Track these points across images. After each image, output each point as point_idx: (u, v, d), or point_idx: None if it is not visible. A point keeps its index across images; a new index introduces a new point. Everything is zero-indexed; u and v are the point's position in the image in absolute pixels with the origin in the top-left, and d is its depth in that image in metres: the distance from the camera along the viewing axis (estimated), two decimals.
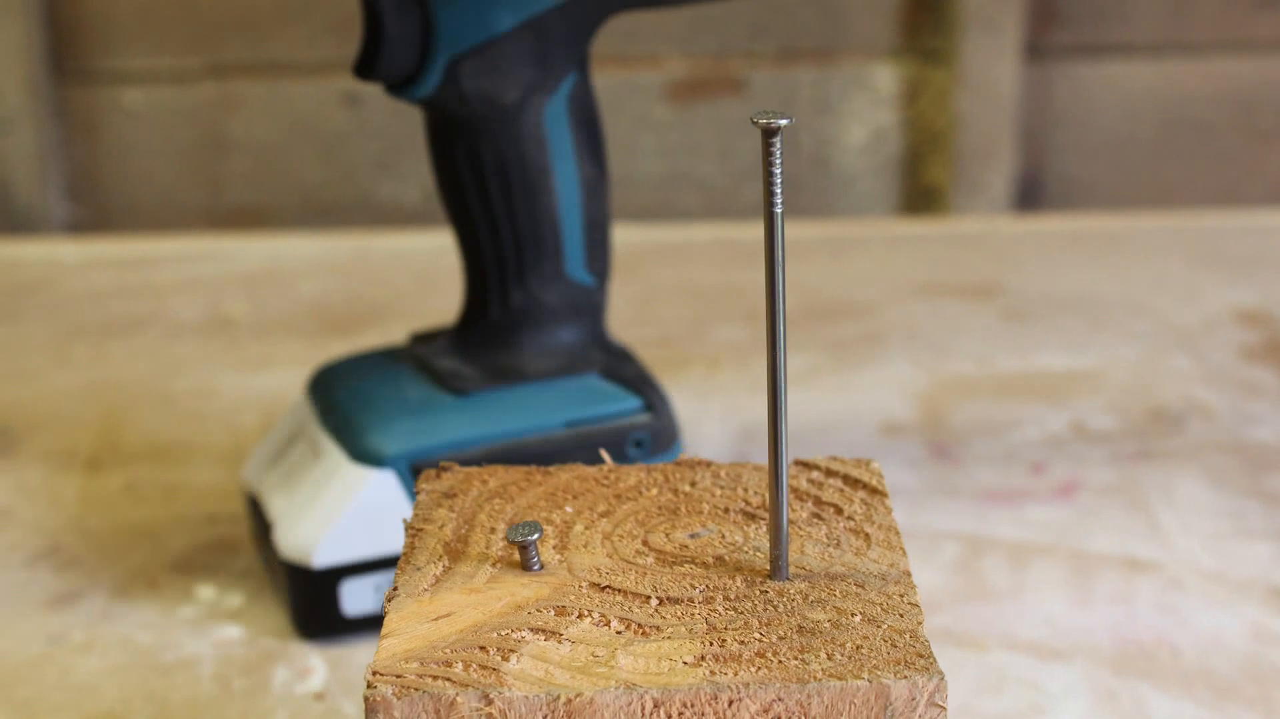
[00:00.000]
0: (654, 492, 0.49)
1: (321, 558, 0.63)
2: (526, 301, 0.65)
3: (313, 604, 0.63)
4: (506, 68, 0.62)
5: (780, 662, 0.41)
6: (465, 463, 0.61)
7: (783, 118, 0.43)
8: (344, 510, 0.63)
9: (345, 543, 0.63)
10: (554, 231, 0.65)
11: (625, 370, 0.67)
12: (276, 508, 0.65)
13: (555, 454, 0.63)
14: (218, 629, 0.65)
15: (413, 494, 0.62)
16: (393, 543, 0.63)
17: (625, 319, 0.94)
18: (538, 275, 0.65)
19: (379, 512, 0.63)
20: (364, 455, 0.63)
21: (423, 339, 0.69)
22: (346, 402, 0.66)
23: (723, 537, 0.47)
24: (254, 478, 0.68)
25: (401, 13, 0.61)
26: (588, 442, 0.64)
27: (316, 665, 0.63)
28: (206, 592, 0.68)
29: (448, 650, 0.42)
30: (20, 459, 0.79)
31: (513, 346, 0.66)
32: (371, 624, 0.64)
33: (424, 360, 0.67)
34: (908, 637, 0.42)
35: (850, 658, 0.41)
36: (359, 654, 0.63)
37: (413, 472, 0.63)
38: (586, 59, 0.64)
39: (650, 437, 0.65)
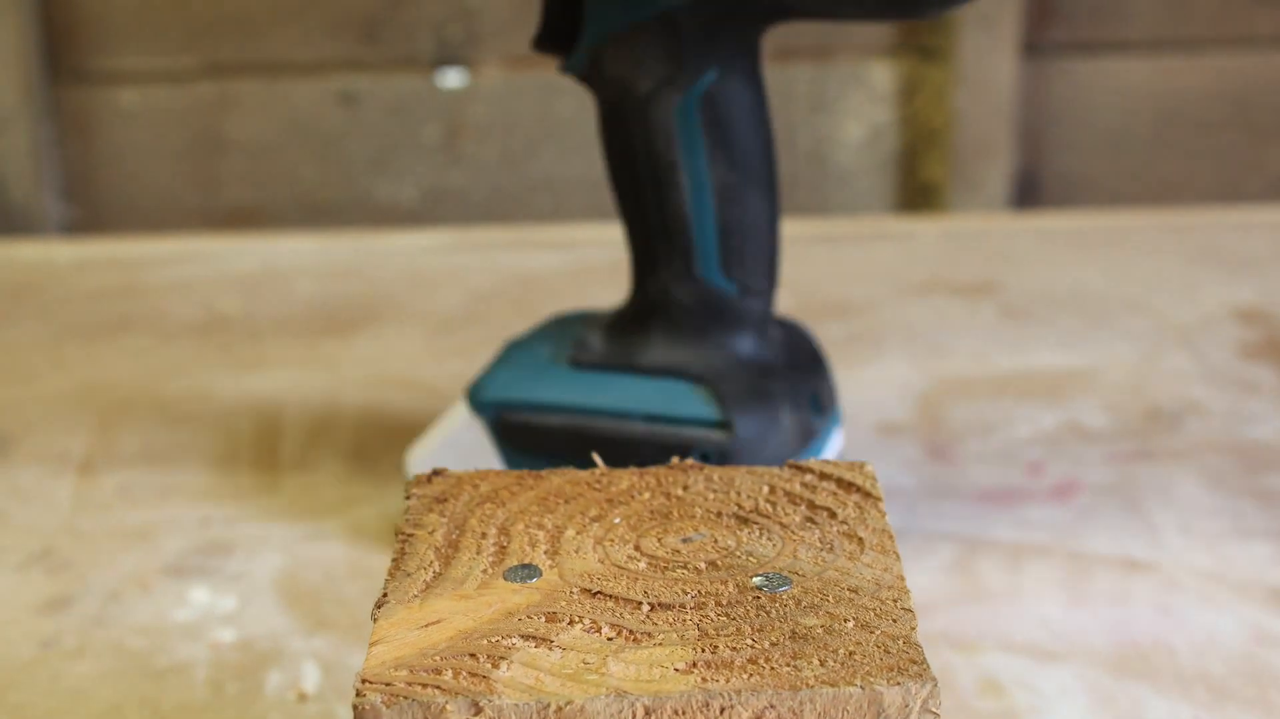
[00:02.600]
0: (646, 496, 0.49)
1: (412, 475, 0.66)
2: (658, 293, 0.67)
3: None
4: (639, 58, 0.64)
5: (772, 668, 0.41)
6: (542, 426, 0.67)
7: (784, 583, 0.44)
8: (439, 441, 0.69)
9: (431, 468, 0.66)
10: (682, 229, 0.65)
11: (734, 385, 0.66)
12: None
13: (623, 441, 0.66)
14: (211, 633, 0.65)
15: (497, 442, 0.68)
16: None
17: None
18: (667, 269, 0.66)
19: (469, 450, 0.68)
20: (470, 397, 0.68)
21: (610, 311, 0.72)
22: (512, 346, 0.71)
23: (715, 541, 0.47)
24: None
25: None
26: (655, 439, 0.66)
27: (310, 670, 0.62)
28: (200, 595, 0.67)
29: (437, 658, 0.42)
30: (14, 461, 0.79)
31: (639, 334, 0.68)
32: None
33: (579, 329, 0.70)
34: (901, 642, 0.42)
35: (843, 664, 0.41)
36: (353, 658, 0.63)
37: (500, 422, 0.67)
38: (738, 61, 0.64)
39: (718, 453, 0.65)
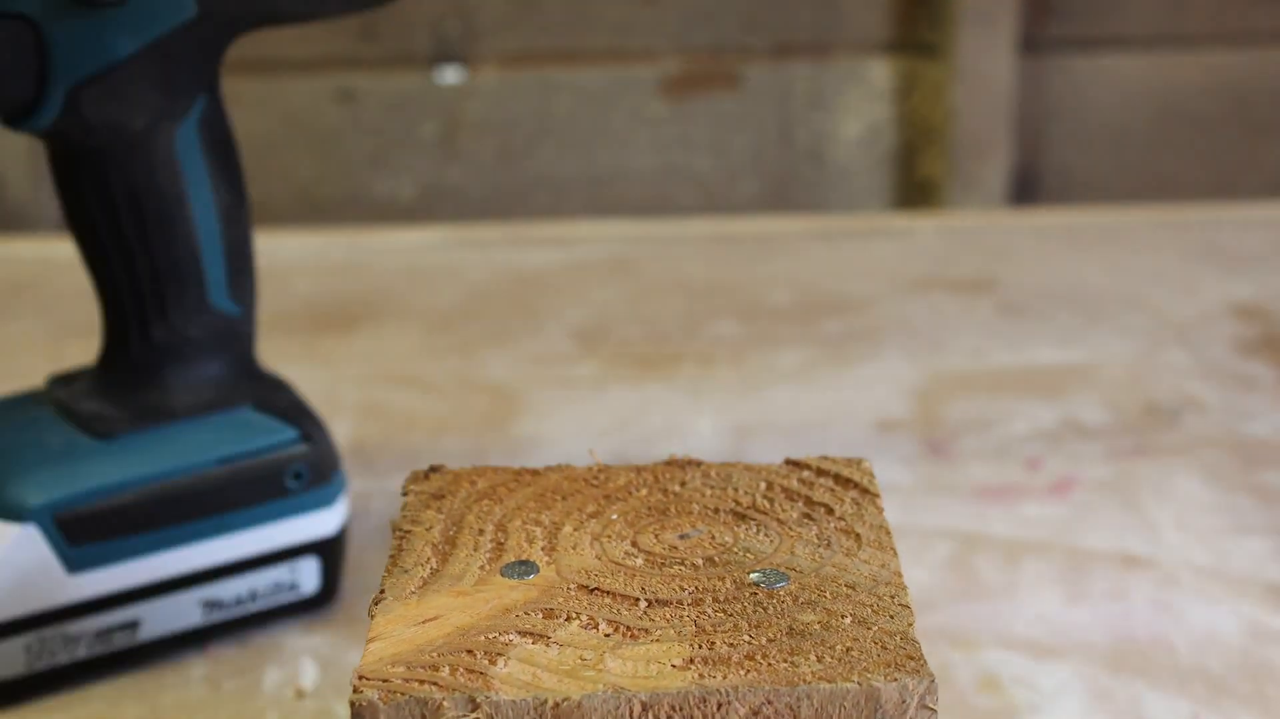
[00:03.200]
0: (644, 492, 0.49)
1: None
2: (169, 335, 0.62)
3: None
4: (131, 94, 0.59)
5: (769, 664, 0.41)
6: (113, 510, 0.60)
7: (782, 579, 0.44)
8: None
9: None
10: (194, 261, 0.62)
11: (279, 401, 0.64)
12: None
13: (209, 493, 0.61)
14: None
15: (57, 547, 0.59)
16: (42, 599, 0.59)
17: (618, 315, 0.93)
18: (179, 307, 0.62)
19: (25, 568, 0.59)
20: (3, 510, 0.59)
21: (62, 381, 0.65)
22: None
23: (712, 538, 0.47)
24: None
25: (13, 40, 0.57)
26: (243, 477, 0.62)
27: (308, 667, 0.62)
28: None
29: (435, 654, 0.42)
30: None
31: (158, 384, 0.63)
32: (26, 687, 0.60)
33: (65, 404, 0.63)
34: (898, 638, 0.42)
35: (840, 660, 0.41)
36: (351, 655, 0.63)
37: (58, 524, 0.59)
38: (217, 81, 0.62)
39: (309, 468, 0.63)
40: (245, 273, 0.64)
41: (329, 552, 0.65)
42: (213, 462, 0.62)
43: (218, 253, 0.62)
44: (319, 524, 0.64)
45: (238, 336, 0.64)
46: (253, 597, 0.63)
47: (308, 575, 0.64)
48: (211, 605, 0.62)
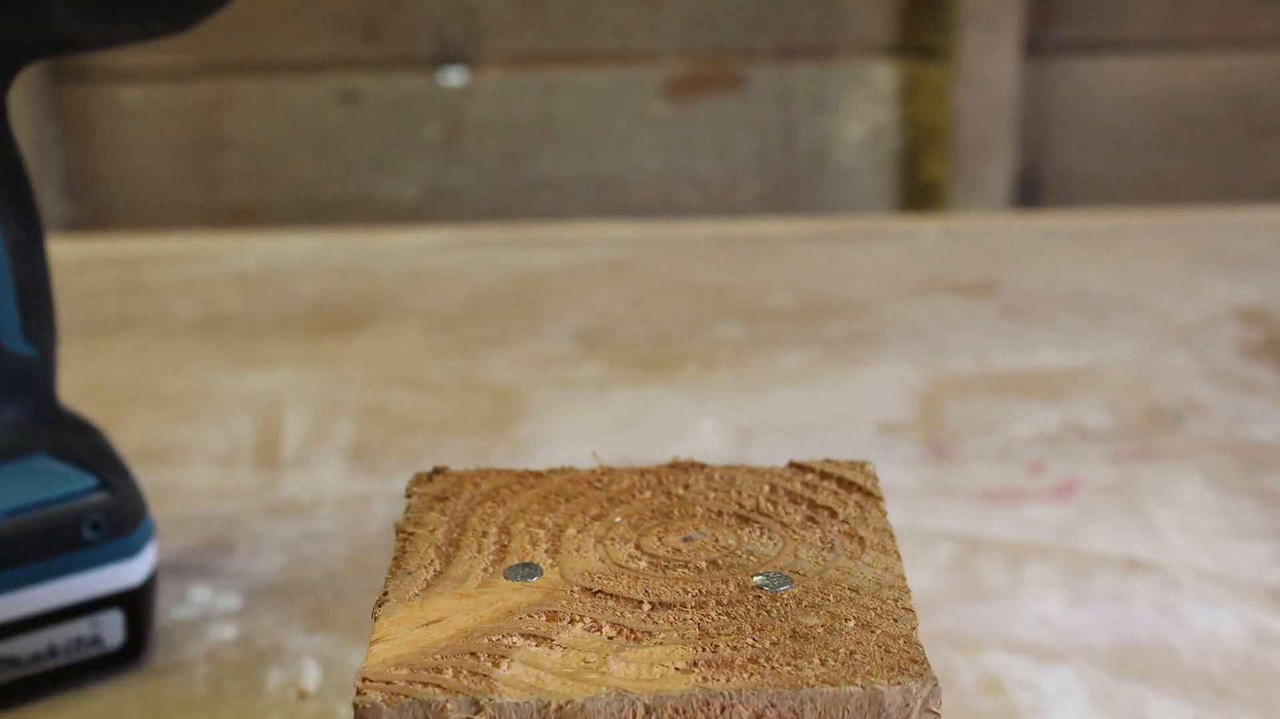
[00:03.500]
0: (647, 495, 0.49)
1: None
2: None
3: None
4: None
5: (773, 668, 0.41)
6: None
7: (785, 583, 0.44)
8: None
9: None
10: None
11: (79, 447, 0.61)
12: None
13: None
14: (212, 631, 0.65)
15: None
16: None
17: (621, 317, 0.93)
18: None
19: None
20: None
21: None
22: None
23: (716, 540, 0.47)
24: None
25: None
26: (36, 529, 0.58)
27: (310, 668, 0.62)
28: (201, 593, 0.67)
29: (438, 657, 0.42)
30: None
31: None
32: None
33: None
34: (902, 642, 0.42)
35: (844, 664, 0.41)
36: (354, 656, 0.63)
37: None
38: (4, 112, 0.58)
39: (108, 517, 0.59)
40: (41, 313, 0.60)
41: (134, 604, 0.61)
42: (1, 513, 0.58)
43: (8, 292, 0.59)
44: (121, 576, 0.60)
45: (34, 379, 0.60)
46: (51, 653, 0.60)
47: (111, 629, 0.61)
48: (6, 663, 0.59)
